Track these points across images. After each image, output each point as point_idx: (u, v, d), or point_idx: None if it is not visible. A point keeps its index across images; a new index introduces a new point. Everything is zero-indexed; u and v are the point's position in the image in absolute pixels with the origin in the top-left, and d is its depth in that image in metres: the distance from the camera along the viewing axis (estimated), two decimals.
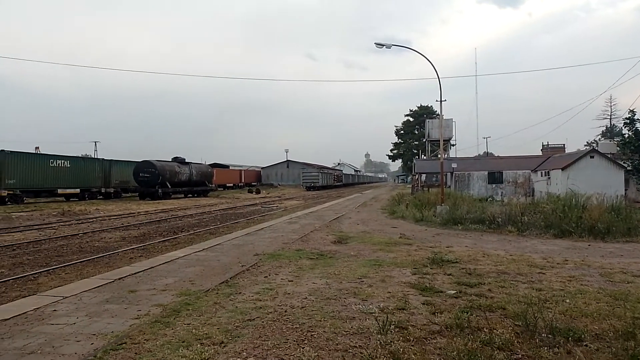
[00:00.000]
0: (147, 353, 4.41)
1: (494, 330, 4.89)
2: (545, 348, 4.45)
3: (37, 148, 49.94)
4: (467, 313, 5.57)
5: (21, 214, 22.50)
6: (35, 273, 8.99)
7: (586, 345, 4.56)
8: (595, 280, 7.72)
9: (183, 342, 4.68)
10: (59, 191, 32.42)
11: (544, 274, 8.21)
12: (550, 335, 4.74)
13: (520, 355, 4.31)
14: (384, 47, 21.55)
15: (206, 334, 4.92)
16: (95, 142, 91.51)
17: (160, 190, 37.44)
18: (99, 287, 7.27)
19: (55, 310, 5.99)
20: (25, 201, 29.49)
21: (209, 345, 4.57)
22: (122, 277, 7.96)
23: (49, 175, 31.42)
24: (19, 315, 5.75)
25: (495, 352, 4.31)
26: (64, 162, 32.89)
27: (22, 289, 7.72)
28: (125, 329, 5.17)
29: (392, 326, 5.05)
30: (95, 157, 58.92)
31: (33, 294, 7.11)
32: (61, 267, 9.65)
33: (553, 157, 37.71)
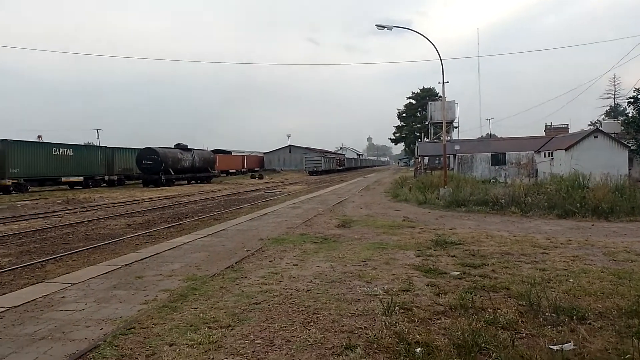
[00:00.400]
0: (156, 337, 4.48)
1: (498, 310, 4.94)
2: (549, 327, 4.50)
3: (39, 137, 50.08)
4: (471, 294, 5.61)
5: (26, 202, 22.63)
6: (43, 261, 9.09)
7: (590, 324, 4.60)
8: (599, 259, 7.75)
9: (191, 326, 4.75)
10: (63, 179, 32.54)
11: (547, 254, 8.24)
12: (554, 315, 4.78)
13: (524, 334, 4.36)
14: (385, 29, 21.30)
15: (213, 317, 4.99)
16: (97, 129, 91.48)
17: (163, 177, 37.52)
18: (106, 273, 7.35)
19: (63, 297, 6.06)
20: (29, 190, 29.63)
21: (216, 329, 4.64)
22: (128, 264, 8.04)
23: (52, 164, 31.51)
24: (28, 302, 5.84)
25: (500, 332, 4.36)
26: (66, 151, 32.95)
27: (30, 277, 7.81)
28: (133, 314, 5.24)
29: (397, 307, 5.10)
30: (98, 144, 58.97)
31: (41, 282, 7.19)
32: (68, 254, 9.74)
33: (556, 137, 37.49)
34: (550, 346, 4.03)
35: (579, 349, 3.99)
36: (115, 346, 4.28)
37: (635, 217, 13.02)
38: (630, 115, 30.44)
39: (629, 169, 28.22)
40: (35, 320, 5.14)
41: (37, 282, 7.19)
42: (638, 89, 27.54)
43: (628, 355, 3.69)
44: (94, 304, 5.70)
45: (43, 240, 11.80)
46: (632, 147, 28.69)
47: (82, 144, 45.91)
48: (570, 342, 4.09)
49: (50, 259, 9.29)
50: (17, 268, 8.47)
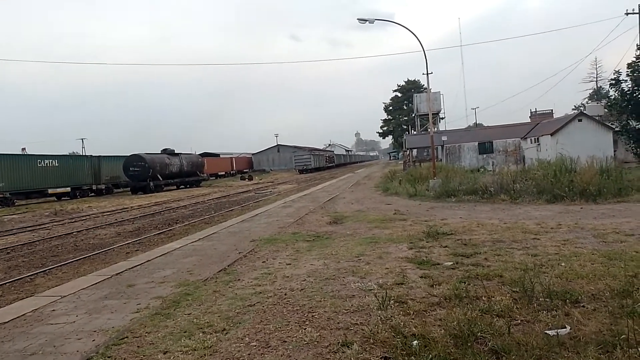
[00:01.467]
0: (150, 345, 4.41)
1: (493, 298, 4.95)
2: (544, 312, 4.51)
3: (23, 149, 49.27)
4: (465, 283, 5.62)
5: (13, 216, 22.28)
6: (32, 274, 8.94)
7: (583, 306, 4.62)
8: (589, 242, 7.81)
9: (185, 332, 4.69)
10: (50, 191, 32.07)
11: (538, 239, 8.29)
12: (547, 299, 4.80)
13: (519, 321, 4.36)
14: (367, 22, 21.26)
15: (207, 322, 4.93)
16: (82, 139, 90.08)
17: (151, 184, 37.17)
18: (97, 283, 7.23)
19: (54, 310, 5.96)
20: (16, 203, 29.18)
21: (211, 334, 4.58)
22: (119, 272, 7.93)
23: (38, 176, 31.04)
24: (17, 317, 5.72)
25: (495, 319, 4.36)
26: (52, 162, 32.47)
27: (19, 291, 7.68)
28: (125, 323, 5.16)
29: (392, 301, 5.09)
30: (84, 154, 58.24)
31: (31, 295, 7.07)
32: (57, 266, 9.59)
33: (542, 123, 37.81)
34: (546, 331, 4.04)
35: (574, 332, 4.00)
36: (108, 357, 4.21)
37: (622, 198, 13.17)
38: (612, 97, 30.77)
39: (614, 151, 28.57)
40: (25, 335, 5.04)
41: (27, 297, 7.06)
42: (618, 71, 27.85)
43: (623, 336, 3.71)
44: (85, 315, 5.60)
45: (32, 254, 11.62)
46: (616, 129, 29.01)
47: (68, 154, 45.28)
48: (566, 327, 4.11)
49: (40, 272, 9.15)
50: (5, 283, 8.33)
